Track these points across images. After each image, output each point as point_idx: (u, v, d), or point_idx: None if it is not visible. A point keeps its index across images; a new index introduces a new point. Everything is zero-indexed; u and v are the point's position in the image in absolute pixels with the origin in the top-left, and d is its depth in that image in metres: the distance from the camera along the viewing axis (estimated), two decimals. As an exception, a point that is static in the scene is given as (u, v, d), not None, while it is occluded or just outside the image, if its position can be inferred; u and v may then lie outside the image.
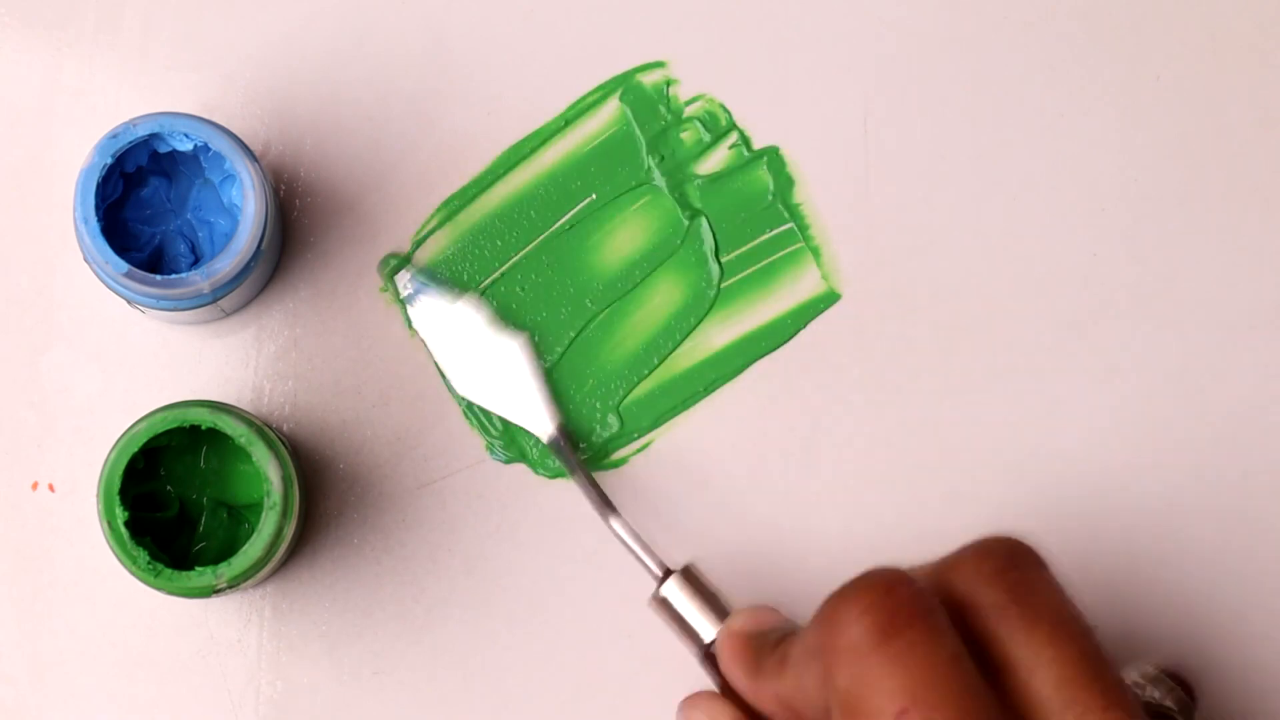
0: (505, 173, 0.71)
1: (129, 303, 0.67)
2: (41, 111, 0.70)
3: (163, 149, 0.65)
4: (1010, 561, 0.55)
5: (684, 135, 0.71)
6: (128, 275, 0.64)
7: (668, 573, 0.66)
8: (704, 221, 0.70)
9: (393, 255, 0.70)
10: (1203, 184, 0.71)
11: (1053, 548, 0.65)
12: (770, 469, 0.70)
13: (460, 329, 0.69)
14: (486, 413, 0.70)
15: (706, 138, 0.71)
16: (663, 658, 0.69)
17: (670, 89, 0.71)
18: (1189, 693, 0.66)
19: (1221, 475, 0.70)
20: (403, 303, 0.70)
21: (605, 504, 0.67)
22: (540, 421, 0.69)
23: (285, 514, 0.64)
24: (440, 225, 0.70)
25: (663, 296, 0.71)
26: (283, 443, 0.65)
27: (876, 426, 0.70)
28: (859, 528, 0.70)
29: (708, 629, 0.64)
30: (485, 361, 0.69)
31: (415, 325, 0.70)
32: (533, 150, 0.71)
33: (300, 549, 0.69)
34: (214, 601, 0.69)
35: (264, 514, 0.64)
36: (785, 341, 0.70)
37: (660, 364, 0.71)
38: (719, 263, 0.71)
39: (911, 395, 0.70)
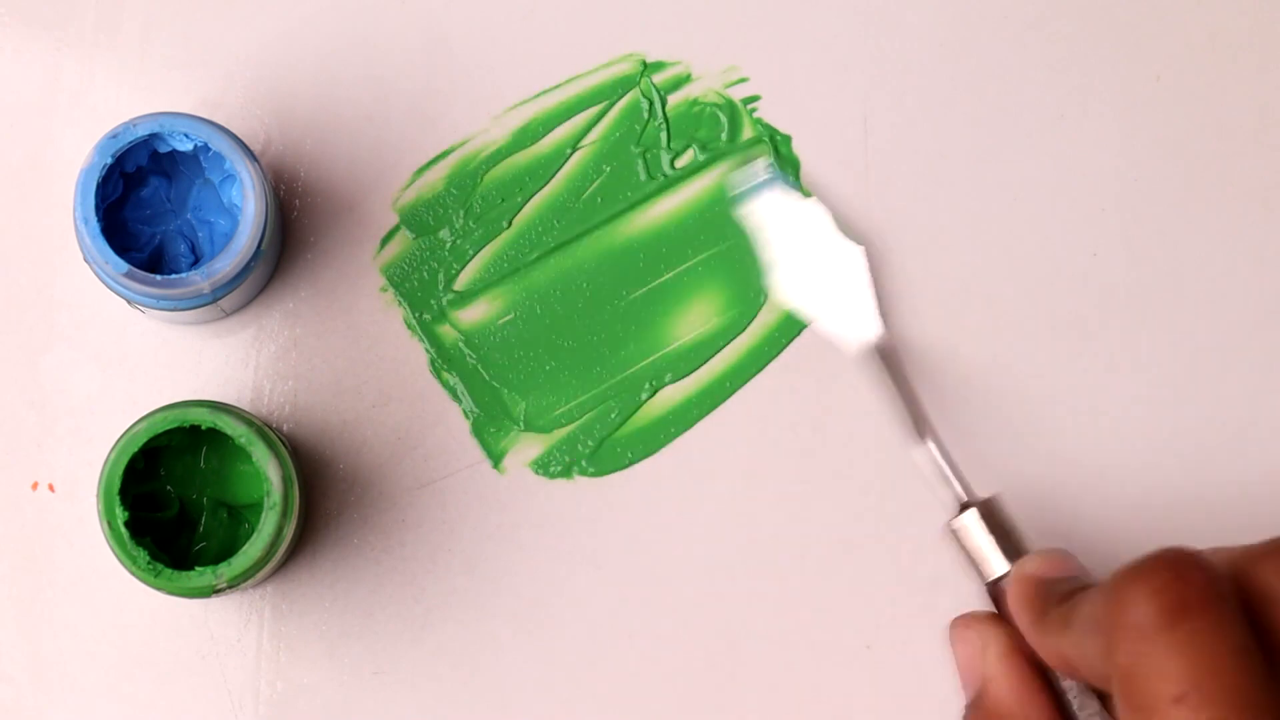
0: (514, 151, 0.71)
1: (129, 303, 0.67)
2: (41, 111, 0.70)
3: (163, 149, 0.65)
4: None
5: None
6: (128, 275, 0.64)
7: (967, 504, 0.65)
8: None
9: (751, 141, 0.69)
10: (1203, 184, 0.71)
11: (1049, 546, 0.65)
12: (769, 469, 0.70)
13: (802, 229, 0.69)
14: (466, 401, 0.70)
15: (702, 156, 0.71)
16: (662, 657, 0.69)
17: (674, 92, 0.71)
18: None
19: (1222, 475, 0.70)
20: (746, 191, 0.69)
21: (922, 423, 0.67)
22: (867, 327, 0.69)
23: (285, 514, 0.64)
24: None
25: (701, 311, 0.70)
26: (283, 443, 0.65)
27: (875, 427, 0.70)
28: (858, 529, 0.70)
29: (999, 564, 0.64)
30: (819, 265, 0.69)
31: (748, 217, 0.69)
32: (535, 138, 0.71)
33: (300, 549, 0.69)
34: (214, 601, 0.69)
35: (264, 514, 0.64)
36: (786, 345, 0.70)
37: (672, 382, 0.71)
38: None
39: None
